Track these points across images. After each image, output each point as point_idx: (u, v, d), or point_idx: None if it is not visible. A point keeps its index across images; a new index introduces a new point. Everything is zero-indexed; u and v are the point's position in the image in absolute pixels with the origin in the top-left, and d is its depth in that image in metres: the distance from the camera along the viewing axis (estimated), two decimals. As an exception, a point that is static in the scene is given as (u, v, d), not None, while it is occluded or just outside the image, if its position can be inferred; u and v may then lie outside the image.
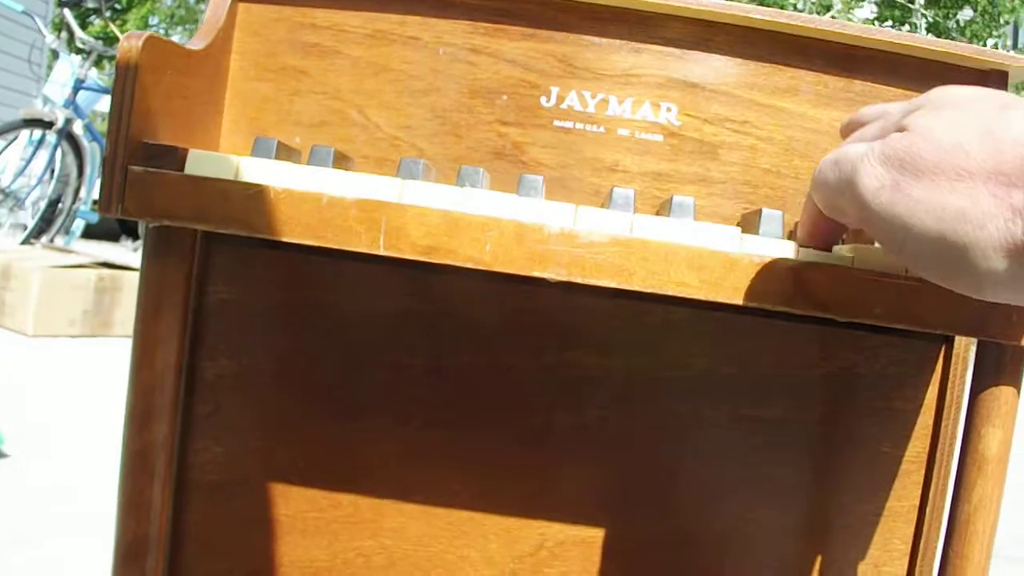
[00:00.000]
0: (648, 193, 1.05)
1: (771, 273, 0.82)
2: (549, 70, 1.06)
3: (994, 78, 1.11)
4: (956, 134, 0.64)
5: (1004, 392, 0.93)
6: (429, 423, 1.13)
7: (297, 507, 1.14)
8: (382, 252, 0.82)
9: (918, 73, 1.09)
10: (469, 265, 0.82)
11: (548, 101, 1.06)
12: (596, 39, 1.06)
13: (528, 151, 1.06)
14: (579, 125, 1.05)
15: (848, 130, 0.84)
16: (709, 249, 0.82)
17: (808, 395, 1.14)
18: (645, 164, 1.06)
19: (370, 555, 1.14)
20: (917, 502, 1.14)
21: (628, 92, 1.05)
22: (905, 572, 1.15)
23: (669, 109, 1.06)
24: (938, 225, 0.63)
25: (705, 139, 1.06)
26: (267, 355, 1.12)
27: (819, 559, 1.16)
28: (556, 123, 1.05)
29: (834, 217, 0.78)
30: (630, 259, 0.81)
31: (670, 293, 0.82)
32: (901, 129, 0.69)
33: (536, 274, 0.82)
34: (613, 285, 0.82)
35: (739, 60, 1.07)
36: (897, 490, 1.15)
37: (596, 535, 1.14)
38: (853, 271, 0.83)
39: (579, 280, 0.82)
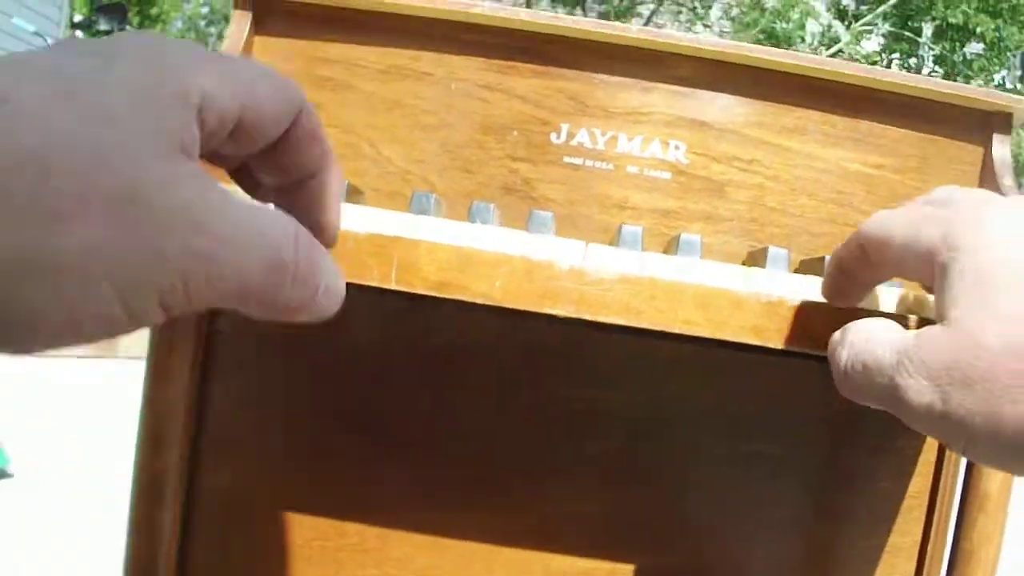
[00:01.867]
0: (656, 230, 1.06)
1: (777, 312, 0.82)
2: (560, 107, 1.07)
3: (999, 120, 1.12)
4: (1007, 331, 0.58)
5: (1006, 432, 0.94)
6: (437, 455, 1.14)
7: (303, 536, 1.14)
8: (394, 287, 0.83)
9: (924, 113, 1.10)
10: (480, 300, 0.83)
11: (558, 138, 1.07)
12: (606, 77, 1.07)
13: (538, 187, 1.07)
14: (588, 162, 1.06)
15: (854, 260, 0.75)
16: (716, 287, 0.83)
17: (811, 433, 1.15)
18: (653, 201, 1.07)
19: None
20: (919, 538, 1.15)
21: (637, 130, 1.07)
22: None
23: (677, 147, 1.07)
24: (996, 430, 0.58)
25: (713, 177, 1.07)
26: (276, 385, 1.13)
27: (822, 596, 1.17)
28: (566, 159, 1.06)
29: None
30: (638, 297, 0.82)
31: (677, 331, 0.83)
32: (939, 313, 0.63)
33: (546, 310, 0.83)
34: (621, 322, 0.82)
35: (747, 99, 1.08)
36: (899, 526, 1.15)
37: (599, 567, 1.14)
38: (859, 312, 0.84)
39: (588, 317, 0.82)
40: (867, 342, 0.67)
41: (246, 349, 1.12)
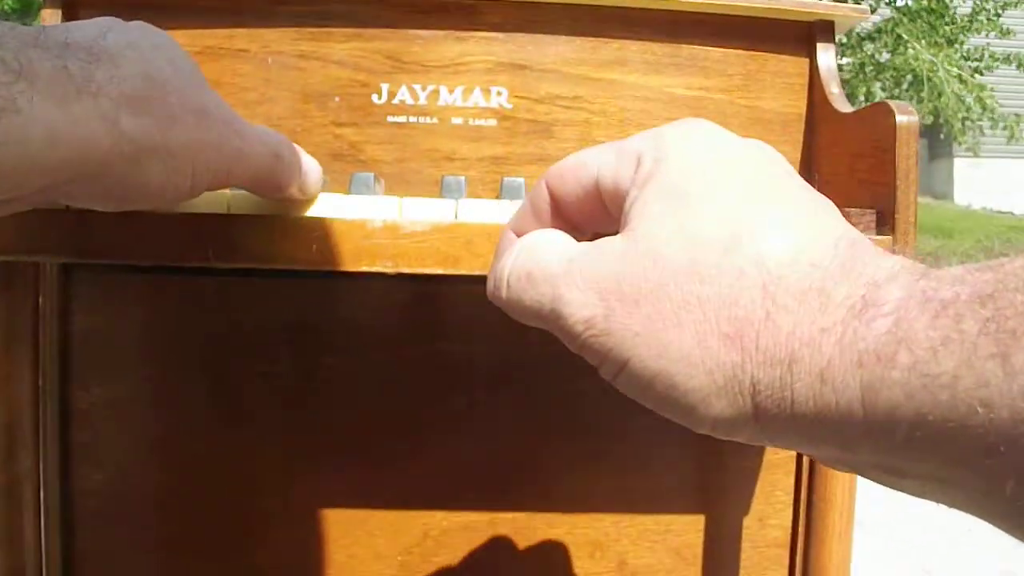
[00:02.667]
0: (487, 179, 1.06)
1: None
2: (378, 67, 1.07)
3: (821, 28, 1.13)
4: (690, 247, 0.52)
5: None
6: (305, 428, 1.13)
7: (185, 526, 1.14)
8: (214, 264, 0.83)
9: (744, 31, 1.11)
10: (300, 267, 0.83)
11: (380, 98, 1.06)
12: (421, 32, 1.07)
13: (365, 149, 1.07)
14: (412, 118, 1.06)
15: (557, 187, 0.64)
16: (533, 225, 0.83)
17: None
18: (481, 150, 1.07)
19: (262, 565, 1.15)
20: (795, 452, 1.16)
21: (457, 80, 1.07)
22: (790, 523, 1.17)
23: (500, 93, 1.07)
24: (657, 363, 0.52)
25: (538, 119, 1.07)
26: (138, 378, 1.12)
27: (704, 521, 1.18)
28: (390, 119, 1.06)
29: None
30: (454, 244, 0.82)
31: (497, 273, 0.83)
32: (623, 223, 0.56)
33: (364, 268, 0.82)
34: (440, 272, 0.82)
35: (564, 37, 1.08)
36: (774, 441, 1.16)
37: (479, 519, 1.15)
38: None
39: (406, 271, 0.82)
40: (535, 249, 0.60)
41: (102, 346, 1.11)
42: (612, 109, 1.08)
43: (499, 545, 1.15)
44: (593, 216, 0.62)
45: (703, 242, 0.51)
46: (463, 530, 1.15)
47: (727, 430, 0.52)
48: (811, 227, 0.52)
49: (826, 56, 1.13)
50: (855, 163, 0.99)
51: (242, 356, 1.12)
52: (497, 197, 1.02)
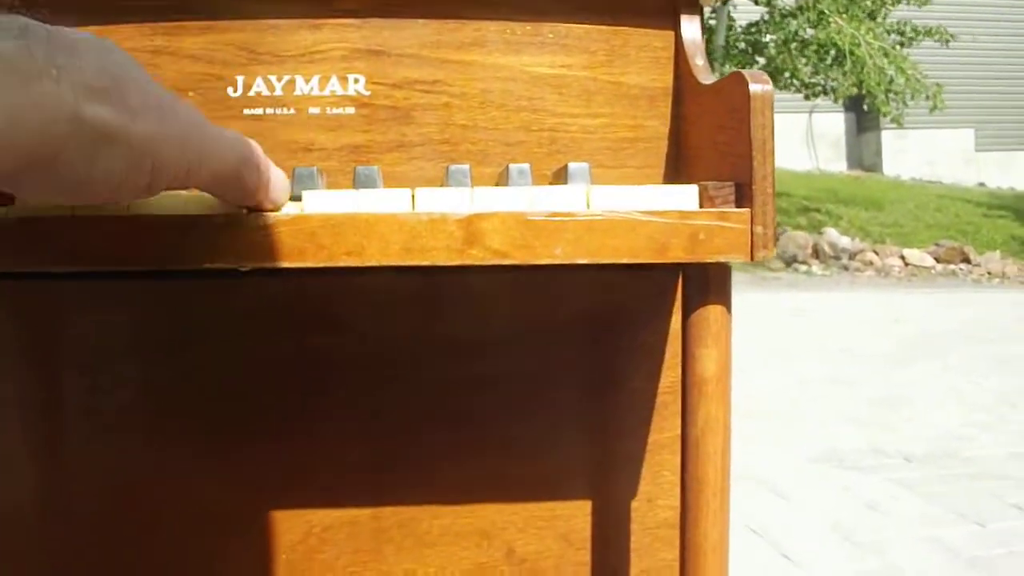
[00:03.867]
0: (347, 168, 1.04)
1: (442, 228, 0.81)
2: (232, 59, 1.05)
3: (684, 0, 1.12)
4: None
5: (713, 311, 0.94)
6: (183, 429, 1.12)
7: (71, 530, 1.12)
8: (54, 269, 0.82)
9: (604, 6, 1.10)
10: (142, 267, 0.82)
11: (235, 91, 1.04)
12: (275, 21, 1.05)
13: (221, 144, 1.05)
14: (269, 110, 1.04)
15: None
16: (377, 213, 0.82)
17: (555, 344, 1.15)
18: (340, 139, 1.05)
19: (146, 566, 1.13)
20: (679, 431, 1.15)
21: (313, 69, 1.05)
22: (679, 502, 1.16)
23: (357, 80, 1.05)
24: None
25: (397, 105, 1.06)
26: (14, 386, 1.10)
27: (592, 505, 1.17)
28: (246, 111, 1.04)
29: None
30: (298, 237, 0.81)
31: (342, 264, 0.81)
32: None
33: (208, 265, 0.81)
34: (287, 264, 0.81)
35: (421, 21, 1.06)
36: (657, 423, 1.16)
37: (361, 514, 1.14)
38: (511, 216, 0.83)
39: (256, 266, 0.81)
40: None
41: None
42: (473, 91, 1.07)
43: (384, 539, 1.14)
44: None
45: None
46: (347, 525, 1.13)
47: None
48: None
49: (691, 27, 1.11)
50: (716, 135, 0.98)
51: (114, 359, 1.11)
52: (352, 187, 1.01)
